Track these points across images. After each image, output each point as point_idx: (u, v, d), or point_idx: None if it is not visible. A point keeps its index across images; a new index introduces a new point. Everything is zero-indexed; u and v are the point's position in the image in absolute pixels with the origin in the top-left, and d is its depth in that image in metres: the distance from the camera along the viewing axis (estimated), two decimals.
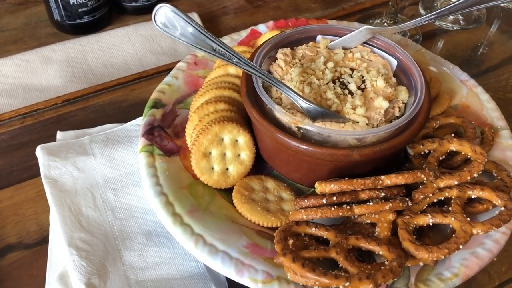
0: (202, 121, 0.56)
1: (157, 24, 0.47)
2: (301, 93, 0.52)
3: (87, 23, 0.84)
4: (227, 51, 0.49)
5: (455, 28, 0.82)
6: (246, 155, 0.55)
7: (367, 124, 0.51)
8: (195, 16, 0.87)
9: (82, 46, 0.82)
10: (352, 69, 0.57)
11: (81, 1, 0.80)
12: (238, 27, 0.89)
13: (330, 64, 0.56)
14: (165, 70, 0.73)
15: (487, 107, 0.62)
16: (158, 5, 0.46)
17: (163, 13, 0.46)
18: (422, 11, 0.86)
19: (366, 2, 0.91)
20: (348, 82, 0.55)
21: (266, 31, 0.70)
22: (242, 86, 0.54)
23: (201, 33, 0.47)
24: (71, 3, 0.80)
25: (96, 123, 0.66)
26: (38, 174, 0.59)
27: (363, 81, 0.55)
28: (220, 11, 0.92)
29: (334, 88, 0.54)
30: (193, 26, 0.46)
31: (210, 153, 0.54)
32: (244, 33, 0.71)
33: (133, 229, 0.55)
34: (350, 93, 0.54)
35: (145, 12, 0.89)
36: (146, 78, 0.73)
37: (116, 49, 0.83)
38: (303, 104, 0.51)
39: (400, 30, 0.58)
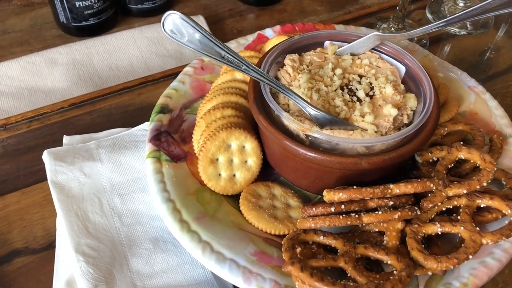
0: (210, 127, 0.56)
1: (165, 31, 0.47)
2: (309, 100, 0.52)
3: (92, 25, 0.84)
4: (235, 58, 0.48)
5: (462, 33, 0.82)
6: (253, 161, 0.55)
7: (375, 131, 0.51)
8: (200, 19, 0.87)
9: (87, 49, 0.82)
10: (361, 76, 0.56)
11: (87, 3, 0.80)
12: (243, 30, 0.88)
13: (338, 71, 0.56)
14: (172, 74, 0.73)
15: (495, 114, 0.62)
16: (167, 12, 0.46)
17: (172, 20, 0.46)
18: (429, 16, 0.86)
19: (372, 6, 0.91)
20: (356, 89, 0.54)
21: (273, 36, 0.70)
22: (249, 92, 0.54)
23: (209, 40, 0.47)
24: (77, 5, 0.80)
25: (103, 127, 0.65)
26: (44, 178, 0.59)
27: (372, 88, 0.55)
28: (226, 13, 0.92)
29: (343, 95, 0.54)
30: (201, 33, 0.46)
31: (217, 159, 0.54)
32: (250, 38, 0.71)
33: (140, 235, 0.54)
34: (359, 100, 0.53)
35: (150, 14, 0.89)
36: (153, 82, 0.73)
37: (122, 52, 0.83)
38: (312, 111, 0.51)
39: (409, 37, 0.57)
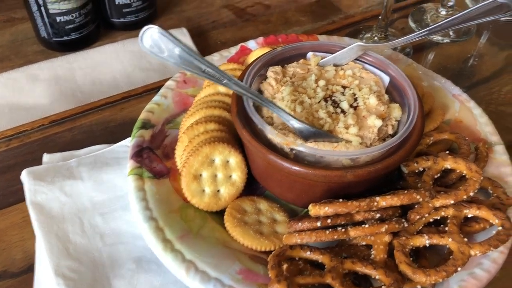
0: (192, 142, 0.55)
1: (144, 46, 0.46)
2: (292, 113, 0.51)
3: (74, 40, 0.83)
4: (216, 72, 0.48)
5: (445, 41, 0.82)
6: (238, 176, 0.54)
7: (360, 143, 0.50)
8: (184, 31, 0.86)
9: (69, 64, 0.81)
10: (344, 87, 0.56)
11: (68, 18, 0.79)
12: (228, 41, 0.88)
13: (322, 82, 0.55)
14: (154, 88, 0.72)
15: (480, 122, 0.61)
16: (145, 27, 0.45)
17: (150, 34, 0.45)
18: (412, 24, 0.86)
19: (356, 15, 0.91)
20: (340, 100, 0.54)
21: (256, 48, 0.69)
22: (232, 106, 0.53)
23: (189, 54, 0.46)
24: (58, 20, 0.79)
25: (84, 144, 0.64)
26: (24, 198, 0.57)
27: (355, 99, 0.54)
28: (210, 25, 0.92)
29: (326, 107, 0.53)
30: (180, 47, 0.45)
31: (200, 175, 0.53)
32: (233, 50, 0.70)
33: (122, 255, 0.53)
34: (343, 111, 0.53)
35: (133, 28, 0.88)
36: (135, 97, 0.72)
37: (105, 66, 0.82)
38: (295, 124, 0.50)
39: (392, 46, 0.57)
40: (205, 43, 0.87)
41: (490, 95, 0.74)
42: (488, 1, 0.50)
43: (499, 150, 0.58)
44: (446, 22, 0.55)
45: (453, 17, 0.54)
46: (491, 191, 0.53)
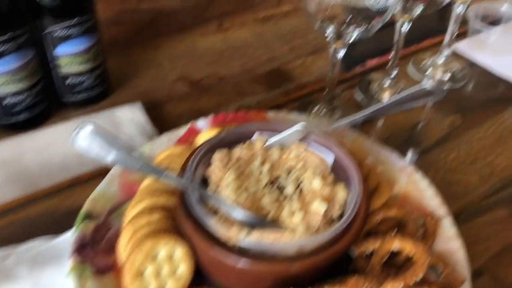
0: (136, 234, 0.53)
1: (78, 144, 0.45)
2: (236, 202, 0.50)
3: (24, 121, 0.81)
4: (153, 169, 0.47)
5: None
6: (184, 268, 0.52)
7: (306, 229, 0.49)
8: (138, 106, 0.86)
9: (18, 146, 0.79)
10: (289, 170, 0.56)
11: (17, 100, 0.78)
12: (183, 114, 0.88)
13: (266, 166, 0.55)
14: (102, 173, 0.70)
15: (427, 195, 0.62)
16: (78, 127, 0.45)
17: (83, 134, 0.45)
18: (359, 94, 0.89)
19: (308, 84, 0.93)
20: (284, 185, 0.54)
21: (205, 127, 0.70)
22: (176, 197, 0.52)
23: (124, 154, 0.45)
24: (6, 102, 0.78)
25: (25, 238, 0.61)
26: None
27: (300, 183, 0.54)
28: (165, 98, 0.92)
29: (271, 193, 0.53)
30: (114, 148, 0.45)
31: (144, 271, 0.51)
32: (182, 130, 0.70)
33: None
34: (288, 197, 0.52)
35: (86, 104, 0.88)
36: (81, 183, 0.70)
37: (55, 147, 0.80)
38: (239, 215, 0.49)
39: (334, 127, 0.58)
40: (160, 116, 0.87)
41: (437, 162, 0.76)
42: (417, 89, 0.53)
43: (447, 223, 0.59)
44: (386, 105, 0.57)
45: (388, 101, 0.57)
46: (441, 269, 0.53)
